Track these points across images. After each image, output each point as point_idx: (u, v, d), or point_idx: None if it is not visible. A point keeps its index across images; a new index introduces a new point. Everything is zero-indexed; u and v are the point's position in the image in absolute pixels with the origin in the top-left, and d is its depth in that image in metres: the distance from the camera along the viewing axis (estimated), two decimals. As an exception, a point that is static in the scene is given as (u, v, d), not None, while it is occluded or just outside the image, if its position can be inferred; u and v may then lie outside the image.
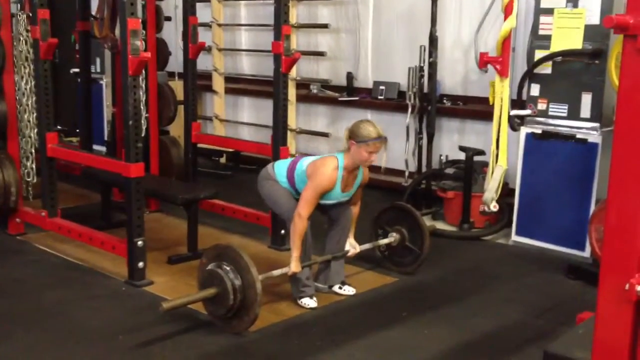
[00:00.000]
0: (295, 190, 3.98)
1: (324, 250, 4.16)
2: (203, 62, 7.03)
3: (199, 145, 5.71)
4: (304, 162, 3.96)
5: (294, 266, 3.82)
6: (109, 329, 3.62)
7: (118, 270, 4.34)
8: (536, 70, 4.89)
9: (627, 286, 1.91)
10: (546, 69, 4.87)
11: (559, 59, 4.78)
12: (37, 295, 4.07)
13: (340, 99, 6.87)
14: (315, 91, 7.14)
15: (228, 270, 3.50)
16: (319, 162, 3.89)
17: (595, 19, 4.58)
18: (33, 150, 5.34)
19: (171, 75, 7.24)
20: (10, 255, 4.73)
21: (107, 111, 7.02)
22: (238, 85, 7.93)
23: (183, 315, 3.77)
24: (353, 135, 3.80)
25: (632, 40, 1.87)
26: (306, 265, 3.93)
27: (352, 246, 4.20)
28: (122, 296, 4.08)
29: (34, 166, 5.32)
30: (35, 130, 5.22)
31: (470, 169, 5.39)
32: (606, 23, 1.86)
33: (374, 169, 6.61)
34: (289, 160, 4.12)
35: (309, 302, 3.94)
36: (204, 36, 6.06)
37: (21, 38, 5.23)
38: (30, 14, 4.75)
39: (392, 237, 4.47)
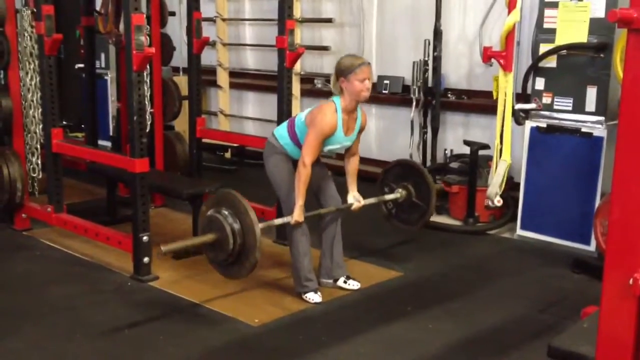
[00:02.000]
0: (300, 147, 3.88)
1: (321, 243, 4.12)
2: (207, 57, 7.03)
3: (204, 140, 5.71)
4: (302, 115, 3.95)
5: (297, 214, 3.79)
6: (115, 323, 3.64)
7: (123, 266, 4.36)
8: (541, 64, 4.88)
9: (631, 281, 1.91)
10: (551, 62, 4.85)
11: (564, 52, 4.76)
12: (43, 290, 4.09)
13: (344, 93, 6.85)
14: (319, 86, 7.14)
15: (227, 214, 3.46)
16: (316, 110, 3.87)
17: (600, 12, 4.56)
18: (38, 146, 5.36)
19: (176, 70, 7.26)
20: (16, 250, 4.76)
21: (112, 106, 7.04)
22: (242, 80, 7.93)
23: (188, 310, 3.79)
24: (339, 72, 3.81)
25: (636, 34, 1.86)
26: (309, 215, 3.87)
27: (355, 199, 4.10)
28: (127, 291, 4.09)
29: (39, 162, 5.35)
30: (41, 126, 5.23)
31: (475, 163, 5.38)
32: (610, 17, 1.85)
33: (377, 163, 6.65)
34: (286, 122, 4.07)
35: (314, 297, 3.95)
36: (208, 31, 6.06)
37: (26, 34, 5.24)
38: (35, 10, 4.76)
39: (399, 193, 4.41)
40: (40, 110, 5.20)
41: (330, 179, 4.13)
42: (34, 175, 5.36)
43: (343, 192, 4.13)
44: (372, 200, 4.29)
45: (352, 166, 4.13)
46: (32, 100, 5.33)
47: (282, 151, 3.96)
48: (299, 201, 3.79)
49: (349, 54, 4.00)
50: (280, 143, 3.96)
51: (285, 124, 4.03)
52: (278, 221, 3.79)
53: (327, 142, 3.86)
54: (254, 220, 3.41)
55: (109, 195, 5.36)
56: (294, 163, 3.90)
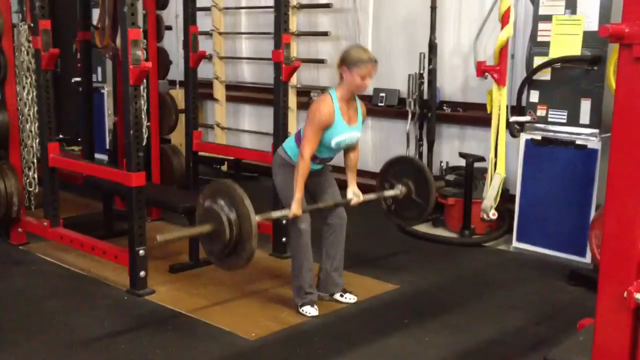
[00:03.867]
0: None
1: (322, 256, 4.11)
2: (204, 71, 7.05)
3: (200, 153, 5.73)
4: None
5: (295, 208, 3.73)
6: (111, 337, 3.63)
7: (120, 280, 4.35)
8: (535, 77, 4.91)
9: (625, 294, 1.92)
10: (545, 75, 4.88)
11: (558, 65, 4.80)
12: (39, 305, 4.08)
13: (340, 106, 6.88)
14: (315, 98, 7.14)
15: (222, 204, 3.41)
16: (312, 104, 3.85)
17: (593, 26, 4.60)
18: (35, 160, 5.36)
19: (172, 83, 7.27)
20: (12, 265, 4.75)
21: (109, 120, 7.05)
22: (239, 93, 7.95)
23: (184, 324, 3.79)
24: (344, 60, 3.77)
25: (627, 49, 1.89)
26: (307, 210, 3.83)
27: (355, 195, 4.06)
28: (124, 305, 4.08)
29: (35, 176, 5.35)
30: (37, 140, 5.24)
31: (471, 176, 5.40)
32: (602, 32, 1.88)
33: (373, 175, 6.66)
34: (294, 134, 4.03)
35: (311, 310, 3.94)
36: (204, 45, 6.09)
37: (23, 48, 5.26)
38: (32, 25, 4.77)
39: (399, 190, 4.35)
40: (36, 124, 5.22)
41: (335, 190, 4.09)
42: (31, 189, 5.35)
43: (343, 191, 4.11)
44: (371, 196, 4.23)
45: (351, 161, 4.07)
46: (29, 115, 5.35)
47: (291, 163, 3.90)
48: (297, 195, 3.73)
49: (358, 44, 3.91)
50: (289, 154, 3.93)
51: (292, 137, 4.00)
52: (276, 214, 3.75)
53: (330, 133, 3.77)
54: (250, 209, 3.34)
55: (105, 209, 5.36)
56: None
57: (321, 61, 7.05)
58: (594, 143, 4.72)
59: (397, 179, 4.38)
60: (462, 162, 5.54)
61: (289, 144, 3.98)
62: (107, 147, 6.80)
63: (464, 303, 4.20)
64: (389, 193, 4.35)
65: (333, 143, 3.81)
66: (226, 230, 3.35)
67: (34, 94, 5.17)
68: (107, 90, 7.24)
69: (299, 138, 3.88)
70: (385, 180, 4.44)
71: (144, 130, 5.43)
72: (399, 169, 4.41)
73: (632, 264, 1.95)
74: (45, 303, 4.11)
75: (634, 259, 1.94)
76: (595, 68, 4.66)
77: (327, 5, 6.93)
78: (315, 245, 4.04)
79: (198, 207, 3.56)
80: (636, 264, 1.95)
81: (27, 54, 5.24)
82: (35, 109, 5.17)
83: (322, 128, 3.74)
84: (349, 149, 4.04)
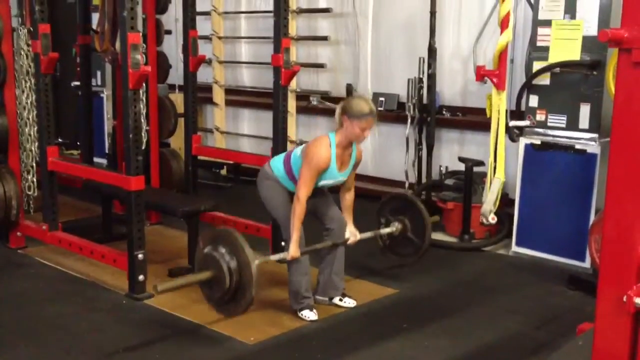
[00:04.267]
0: (294, 182, 3.90)
1: (320, 262, 4.13)
2: (203, 75, 7.06)
3: (200, 157, 5.73)
4: (298, 150, 3.94)
5: (293, 250, 3.77)
6: (110, 342, 3.62)
7: (119, 284, 4.34)
8: (535, 82, 4.91)
9: (625, 298, 1.92)
10: (544, 80, 4.89)
11: (557, 70, 4.80)
12: (37, 309, 4.07)
13: (340, 110, 6.88)
14: (315, 103, 7.16)
15: (223, 252, 3.46)
16: (311, 144, 3.87)
17: (593, 31, 4.60)
18: (34, 164, 5.36)
19: (172, 87, 7.27)
20: (11, 268, 4.74)
21: (108, 124, 7.05)
22: (238, 98, 7.95)
23: (183, 329, 3.78)
24: (346, 111, 3.80)
25: (626, 54, 1.89)
26: (305, 252, 3.87)
27: (352, 234, 4.13)
28: (122, 310, 4.08)
29: (34, 179, 5.34)
30: (36, 144, 5.24)
31: (470, 180, 5.40)
32: (601, 37, 1.88)
33: (372, 180, 6.65)
34: (283, 154, 4.10)
35: (309, 315, 3.94)
36: (204, 49, 6.09)
37: (22, 52, 5.26)
38: (31, 29, 4.78)
39: (394, 227, 4.44)
40: (36, 128, 5.21)
41: (332, 202, 4.12)
42: (30, 193, 5.35)
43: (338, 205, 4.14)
44: (368, 234, 4.36)
45: (347, 201, 4.15)
46: (28, 118, 5.34)
47: (274, 177, 3.97)
48: (294, 236, 3.78)
49: (361, 96, 3.94)
50: (275, 174, 3.97)
51: (281, 157, 4.03)
52: (275, 257, 3.82)
53: (320, 177, 3.85)
54: (250, 257, 3.42)
55: (104, 212, 5.35)
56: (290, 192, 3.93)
57: (321, 65, 7.05)
58: (593, 148, 4.72)
59: (394, 215, 4.46)
60: (462, 167, 5.54)
61: (276, 165, 4.00)
62: (107, 151, 6.79)
63: (463, 307, 4.19)
64: (385, 231, 4.47)
65: (319, 184, 3.91)
66: (226, 278, 3.42)
67: (33, 97, 5.17)
68: (106, 94, 7.24)
69: (288, 162, 3.93)
70: (381, 215, 4.55)
71: (143, 134, 5.42)
72: (395, 206, 4.52)
73: (632, 268, 1.95)
74: (43, 307, 4.10)
75: (634, 263, 1.95)
76: (595, 73, 4.66)
77: (326, 10, 6.94)
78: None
79: (198, 251, 3.62)
80: (635, 269, 1.95)
81: (27, 57, 5.23)
82: (35, 112, 5.17)
83: (319, 172, 3.81)
84: (344, 189, 4.12)
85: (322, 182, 3.91)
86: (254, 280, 3.40)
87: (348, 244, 4.14)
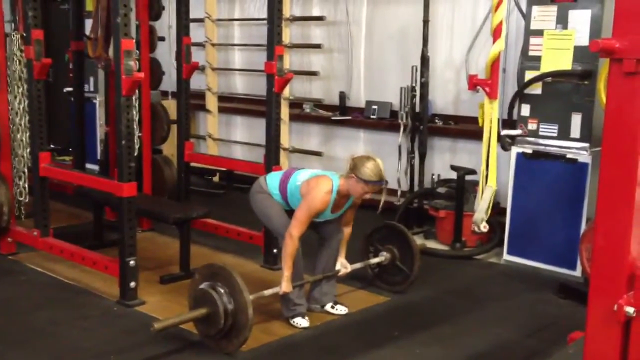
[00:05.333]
0: (286, 203, 3.97)
1: (314, 270, 4.16)
2: (196, 82, 7.05)
3: (192, 164, 5.72)
4: (299, 177, 3.93)
5: (285, 286, 3.82)
6: (101, 349, 3.61)
7: (110, 290, 4.32)
8: (526, 91, 4.94)
9: (615, 307, 1.93)
10: (536, 89, 4.91)
11: (549, 79, 4.83)
12: (28, 315, 4.05)
13: (332, 118, 6.90)
14: (308, 110, 7.17)
15: (222, 292, 3.49)
16: (313, 182, 3.86)
17: (584, 40, 4.63)
18: (26, 170, 5.34)
19: (164, 94, 7.27)
20: (1, 275, 4.71)
21: (100, 130, 7.03)
22: (231, 105, 7.95)
23: (174, 336, 3.76)
24: (356, 169, 3.78)
25: (618, 64, 1.91)
26: (297, 285, 3.92)
27: (343, 266, 4.21)
28: (113, 316, 4.06)
29: (26, 185, 5.32)
30: (28, 150, 5.22)
31: (462, 188, 5.42)
32: (592, 47, 1.90)
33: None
34: (281, 172, 4.11)
35: (301, 322, 3.93)
36: (197, 56, 6.09)
37: (15, 58, 5.25)
38: (24, 34, 4.77)
39: (383, 256, 4.51)
40: (28, 133, 5.19)
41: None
42: (21, 198, 5.33)
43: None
44: (358, 265, 4.42)
45: (342, 236, 4.17)
46: (20, 124, 5.32)
47: (267, 192, 4.00)
48: (286, 273, 3.80)
49: (375, 160, 3.80)
50: (269, 190, 4.00)
51: (278, 176, 4.04)
52: (268, 292, 3.82)
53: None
54: (248, 302, 3.44)
55: (96, 219, 5.34)
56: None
57: (314, 73, 7.07)
58: (584, 157, 4.75)
59: (382, 244, 4.54)
60: (454, 175, 5.56)
61: (272, 182, 4.01)
62: (99, 157, 6.77)
63: (455, 315, 4.20)
64: (374, 260, 4.54)
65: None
66: (222, 319, 3.45)
67: (26, 103, 5.16)
68: (99, 100, 7.22)
69: (284, 184, 3.95)
70: (370, 245, 4.61)
71: (135, 141, 5.41)
72: (384, 235, 4.58)
73: (622, 277, 1.96)
74: (34, 313, 4.08)
75: (624, 272, 1.95)
76: (586, 82, 4.69)
77: (320, 18, 6.96)
78: (307, 256, 4.04)
79: (194, 283, 3.62)
80: (626, 277, 1.96)
81: (20, 63, 5.22)
82: (27, 118, 5.15)
83: (316, 214, 3.85)
84: (343, 223, 4.15)
85: (316, 220, 3.96)
86: (250, 323, 3.43)
87: (338, 275, 4.21)
